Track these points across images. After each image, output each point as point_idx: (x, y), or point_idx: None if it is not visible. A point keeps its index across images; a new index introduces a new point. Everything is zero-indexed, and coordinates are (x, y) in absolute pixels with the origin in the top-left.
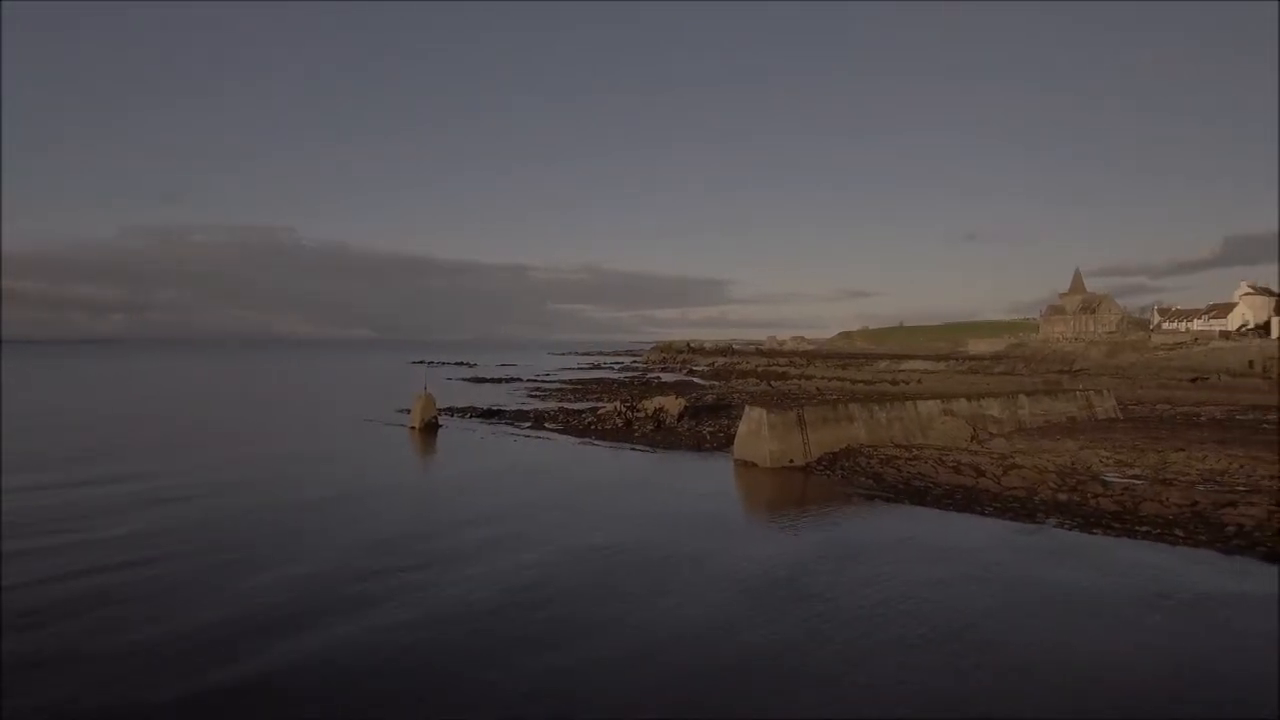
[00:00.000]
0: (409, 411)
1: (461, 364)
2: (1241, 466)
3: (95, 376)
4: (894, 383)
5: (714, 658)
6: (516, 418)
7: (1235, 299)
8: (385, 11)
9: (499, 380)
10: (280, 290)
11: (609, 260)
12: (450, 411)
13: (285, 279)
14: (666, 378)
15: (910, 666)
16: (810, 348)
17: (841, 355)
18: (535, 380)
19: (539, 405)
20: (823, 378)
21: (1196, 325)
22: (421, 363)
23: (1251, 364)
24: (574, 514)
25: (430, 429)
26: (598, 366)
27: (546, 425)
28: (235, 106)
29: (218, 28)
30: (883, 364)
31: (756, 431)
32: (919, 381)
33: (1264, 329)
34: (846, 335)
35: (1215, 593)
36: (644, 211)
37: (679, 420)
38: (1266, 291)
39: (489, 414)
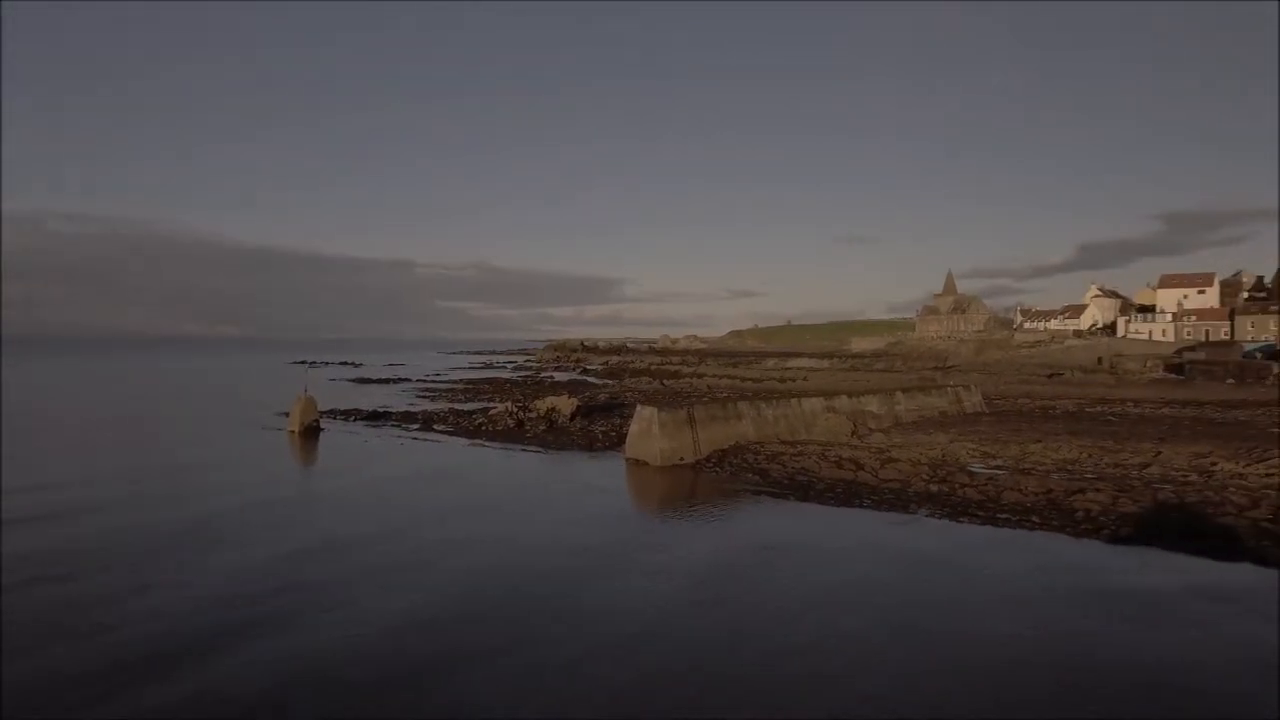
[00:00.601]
0: (289, 415)
1: (346, 364)
2: (1090, 456)
3: None
4: (781, 380)
5: (645, 663)
6: (404, 420)
7: (1086, 300)
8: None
9: (386, 381)
10: (151, 285)
11: (500, 257)
12: (333, 414)
13: (157, 273)
14: (560, 377)
15: (840, 667)
16: (703, 346)
17: (732, 354)
18: (424, 380)
19: (428, 406)
20: (714, 376)
21: (1054, 325)
22: (303, 363)
23: (1100, 360)
24: (471, 522)
25: (311, 433)
26: (489, 366)
27: (436, 427)
28: (104, 93)
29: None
30: (771, 362)
31: (647, 430)
32: (805, 379)
33: (1110, 329)
34: (738, 334)
35: (1102, 578)
36: (537, 209)
37: (571, 420)
38: (1113, 294)
39: (375, 416)
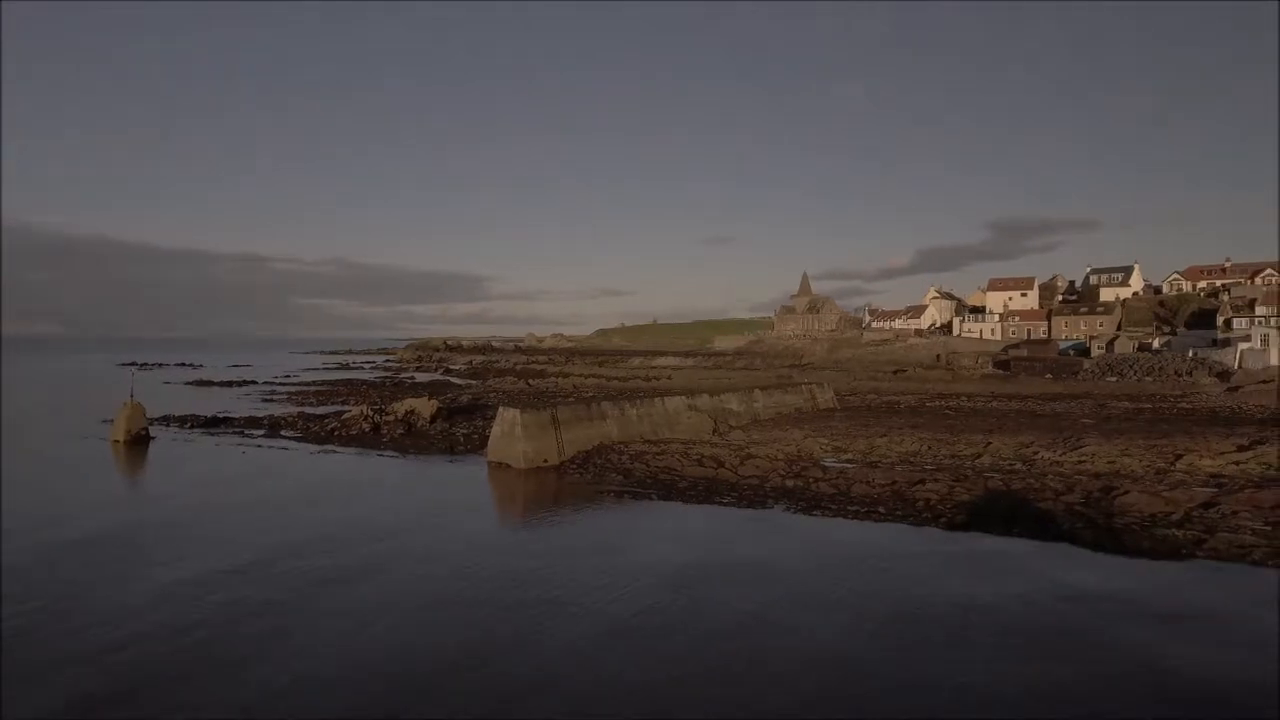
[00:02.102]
0: (113, 423)
1: (185, 365)
2: (929, 448)
3: None
4: (647, 379)
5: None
6: (248, 425)
7: (926, 301)
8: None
9: (230, 383)
10: None
11: (361, 253)
12: (166, 421)
13: None
14: (421, 378)
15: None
16: (570, 345)
17: (599, 352)
18: (273, 382)
19: (275, 411)
20: (580, 375)
21: (898, 324)
22: (130, 365)
23: (939, 357)
24: (326, 549)
25: (139, 443)
26: (346, 367)
27: (283, 433)
28: None
29: None
30: (636, 361)
31: (510, 432)
32: (669, 378)
33: (947, 328)
34: (604, 333)
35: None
36: (401, 205)
37: (431, 423)
38: (949, 296)
39: (214, 422)
